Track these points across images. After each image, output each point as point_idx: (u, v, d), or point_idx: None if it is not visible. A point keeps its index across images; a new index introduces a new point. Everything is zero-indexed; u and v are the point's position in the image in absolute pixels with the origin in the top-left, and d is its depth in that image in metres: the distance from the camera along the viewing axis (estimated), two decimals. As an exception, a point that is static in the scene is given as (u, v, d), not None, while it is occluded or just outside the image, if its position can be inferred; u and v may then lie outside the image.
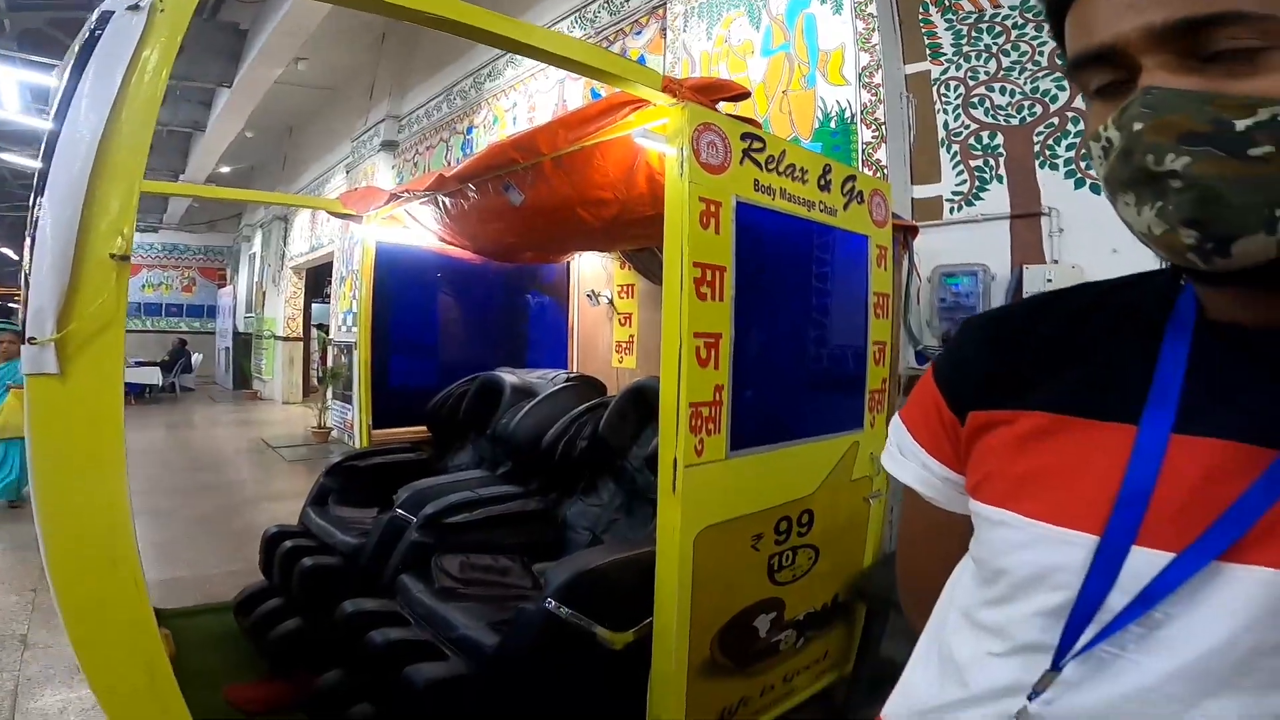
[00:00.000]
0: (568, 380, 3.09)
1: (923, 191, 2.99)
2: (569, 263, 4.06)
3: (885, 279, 2.20)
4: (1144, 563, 0.46)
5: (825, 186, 1.94)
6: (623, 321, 3.97)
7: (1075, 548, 0.49)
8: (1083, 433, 0.52)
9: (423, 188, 2.74)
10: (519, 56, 5.26)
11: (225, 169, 11.81)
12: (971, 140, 2.86)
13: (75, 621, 0.95)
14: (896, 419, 0.69)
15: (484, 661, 1.82)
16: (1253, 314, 0.48)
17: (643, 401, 2.44)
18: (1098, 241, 2.44)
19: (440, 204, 2.86)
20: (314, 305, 11.99)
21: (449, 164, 6.38)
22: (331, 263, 8.96)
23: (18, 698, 2.46)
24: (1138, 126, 0.43)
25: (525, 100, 5.39)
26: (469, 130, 6.13)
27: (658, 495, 1.62)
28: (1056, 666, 0.49)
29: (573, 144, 2.04)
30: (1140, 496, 0.48)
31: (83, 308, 0.84)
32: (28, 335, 0.81)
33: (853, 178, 2.05)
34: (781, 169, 1.79)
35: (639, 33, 4.38)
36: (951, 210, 2.91)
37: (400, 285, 3.39)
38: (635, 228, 2.62)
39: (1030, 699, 0.49)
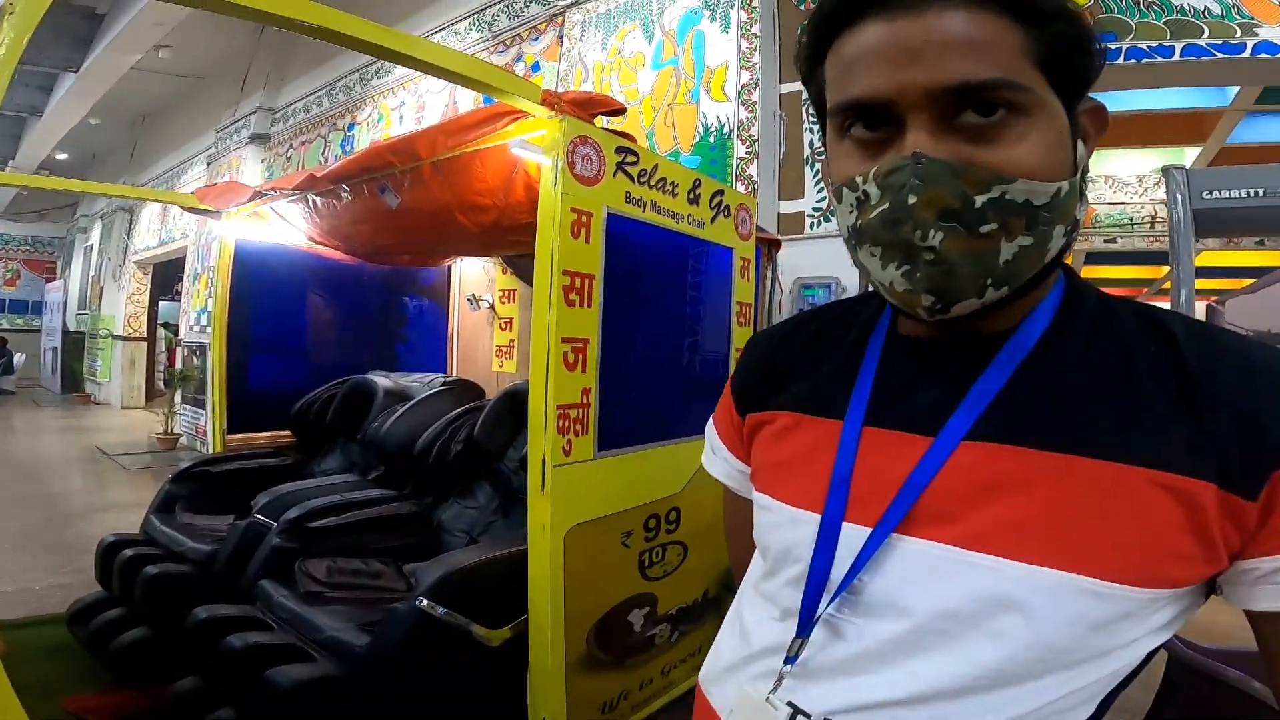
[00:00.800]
0: (444, 384, 3.06)
1: (789, 207, 3.20)
2: (450, 267, 4.00)
3: (748, 289, 2.35)
4: (852, 537, 0.54)
5: (695, 200, 2.04)
6: (503, 326, 3.96)
7: (806, 526, 0.58)
8: (813, 428, 0.62)
9: (291, 186, 2.63)
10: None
11: (62, 156, 10.67)
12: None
13: None
14: (710, 422, 0.80)
15: (354, 662, 1.79)
16: (925, 330, 0.59)
17: (518, 405, 2.46)
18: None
19: (310, 203, 2.76)
20: (161, 303, 10.98)
21: (326, 160, 6.09)
22: (184, 258, 8.24)
23: None
24: (912, 200, 0.48)
25: (414, 100, 5.25)
26: (351, 127, 5.90)
27: (529, 494, 1.66)
28: (802, 632, 0.56)
29: (452, 150, 2.05)
30: (844, 480, 0.57)
31: None
32: None
33: (721, 192, 2.17)
34: (653, 182, 1.87)
35: (536, 39, 4.40)
36: (812, 225, 3.14)
37: (263, 284, 3.23)
38: (513, 234, 2.62)
39: (785, 662, 0.56)
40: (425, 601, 1.71)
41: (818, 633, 0.55)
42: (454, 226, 2.61)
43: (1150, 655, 0.52)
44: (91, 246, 12.17)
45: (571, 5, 4.12)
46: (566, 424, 1.63)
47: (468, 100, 4.74)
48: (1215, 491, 0.46)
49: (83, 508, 4.91)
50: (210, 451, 3.11)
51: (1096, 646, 0.49)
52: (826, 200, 3.09)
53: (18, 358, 11.90)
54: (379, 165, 2.28)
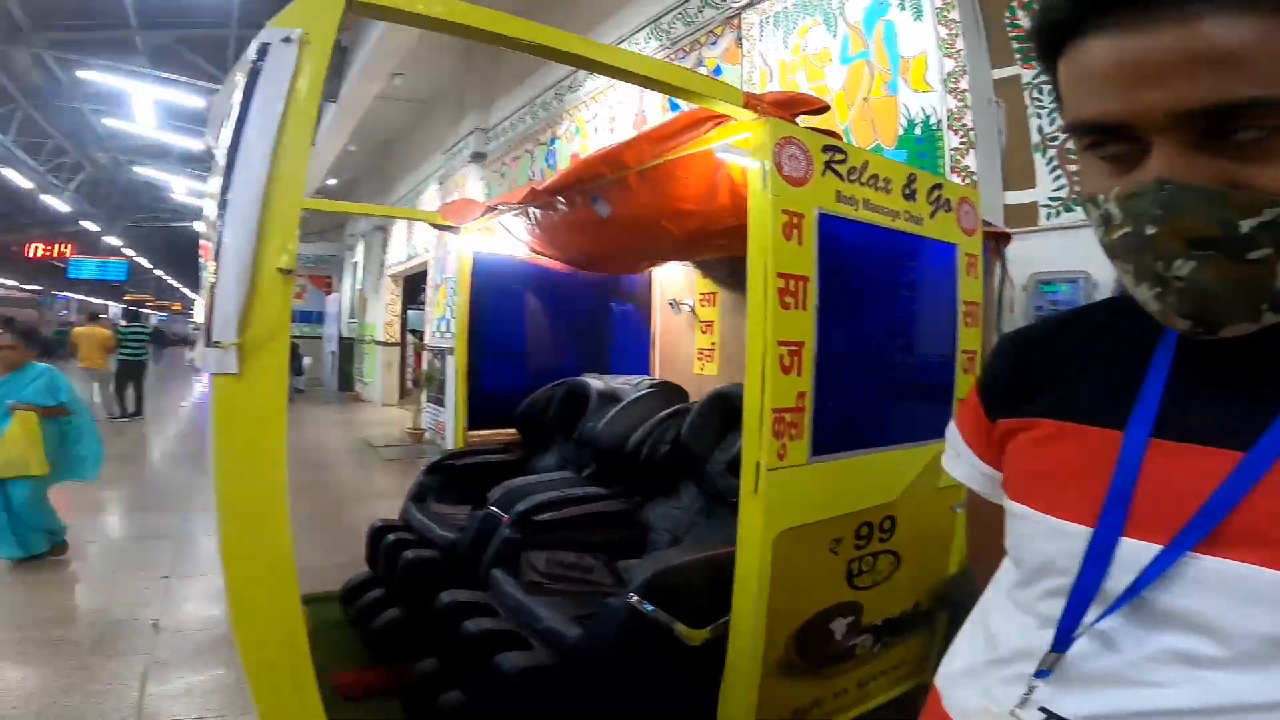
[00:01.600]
0: (650, 386, 3.17)
1: (1017, 197, 2.90)
2: (651, 272, 4.15)
3: (975, 287, 2.17)
4: (1134, 552, 0.51)
5: (910, 196, 1.94)
6: (704, 329, 4.01)
7: (1073, 539, 0.55)
8: (1082, 437, 0.58)
9: (516, 200, 2.88)
10: (599, 69, 5.42)
11: (331, 181, 12.54)
12: (1070, 144, 2.77)
13: (237, 597, 1.08)
14: (951, 424, 0.79)
15: (567, 652, 1.91)
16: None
17: (725, 407, 2.48)
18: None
19: (531, 216, 3.00)
20: (409, 311, 12.59)
21: (534, 174, 6.58)
22: (426, 271, 9.39)
23: (146, 681, 2.64)
24: (1150, 230, 0.44)
25: (605, 111, 5.51)
26: (552, 141, 6.30)
27: (739, 497, 1.67)
28: (1061, 644, 0.54)
29: (657, 158, 2.12)
30: (1125, 494, 0.53)
31: (257, 316, 0.99)
32: (214, 339, 0.97)
33: (939, 186, 2.03)
34: (864, 180, 1.80)
35: (714, 43, 4.42)
36: (1048, 216, 2.81)
37: (492, 293, 3.56)
38: (718, 239, 2.66)
39: (1038, 675, 0.54)
40: (635, 597, 1.78)
41: (1084, 643, 0.54)
42: (660, 233, 2.69)
43: None
44: (356, 263, 14.35)
45: (747, 6, 4.08)
46: (781, 428, 1.61)
47: (654, 109, 4.87)
48: None
49: (353, 494, 5.76)
50: (449, 446, 3.51)
51: None
52: (1066, 188, 2.75)
53: (305, 361, 14.38)
54: (591, 176, 2.41)
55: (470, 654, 1.96)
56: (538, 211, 2.94)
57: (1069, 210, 2.75)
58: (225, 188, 1.01)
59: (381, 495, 5.59)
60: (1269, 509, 0.46)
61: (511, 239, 3.39)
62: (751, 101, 1.59)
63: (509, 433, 3.54)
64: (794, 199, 1.63)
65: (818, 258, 1.68)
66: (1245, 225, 0.41)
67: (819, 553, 1.79)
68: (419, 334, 10.84)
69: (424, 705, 2.04)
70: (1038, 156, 2.85)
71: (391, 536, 2.80)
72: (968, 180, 2.87)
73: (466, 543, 2.59)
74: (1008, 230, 2.73)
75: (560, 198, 2.71)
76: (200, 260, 2.28)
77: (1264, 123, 0.40)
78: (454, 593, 2.23)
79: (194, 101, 10.45)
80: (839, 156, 1.74)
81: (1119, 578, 0.52)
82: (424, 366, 9.10)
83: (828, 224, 1.71)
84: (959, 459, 0.76)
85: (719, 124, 1.74)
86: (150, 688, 2.61)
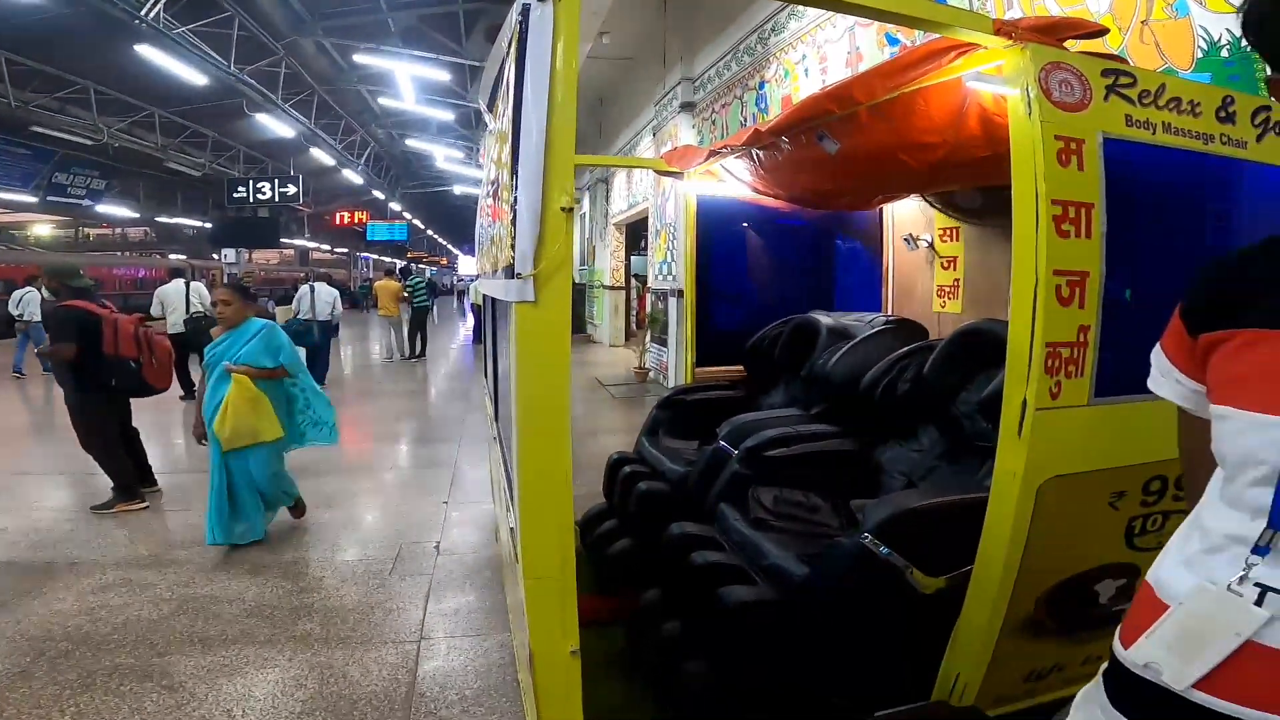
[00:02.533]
0: (886, 323, 3.02)
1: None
2: (881, 209, 3.91)
3: (1327, 216, 1.79)
4: None
5: (1227, 119, 1.71)
6: (945, 265, 3.71)
7: (1273, 428, 0.65)
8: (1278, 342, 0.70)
9: (739, 143, 2.85)
10: (800, 8, 5.11)
11: (555, 139, 13.51)
12: None
13: (527, 498, 1.25)
14: (1156, 348, 0.89)
15: (791, 589, 1.93)
16: None
17: (976, 345, 2.29)
18: None
19: (755, 157, 2.96)
20: (632, 257, 13.16)
21: (745, 120, 6.47)
22: (646, 218, 9.73)
23: (429, 600, 2.93)
24: None
25: (814, 51, 5.23)
26: (760, 85, 6.15)
27: (999, 439, 1.57)
28: (1276, 520, 0.65)
29: (891, 92, 2.04)
30: None
31: (546, 250, 1.14)
32: (516, 272, 1.13)
33: (1266, 108, 1.75)
34: (1161, 103, 1.64)
35: None
36: None
37: (716, 234, 3.61)
38: (964, 168, 2.48)
39: (1255, 552, 0.66)
40: (869, 538, 1.74)
41: None
42: (896, 167, 2.57)
43: None
44: (584, 214, 15.28)
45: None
46: (1057, 364, 1.48)
47: (870, 47, 4.47)
48: None
49: (587, 429, 6.17)
50: (671, 385, 3.66)
51: None
52: None
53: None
54: (818, 114, 2.34)
55: (695, 585, 2.04)
56: (761, 153, 2.90)
57: None
58: (515, 143, 1.14)
59: (611, 431, 6.00)
60: None
61: (734, 181, 3.38)
62: (1004, 28, 1.54)
63: (735, 369, 3.60)
64: (1070, 125, 1.53)
65: (1104, 184, 1.53)
66: None
67: (1094, 506, 1.63)
68: (641, 278, 11.30)
69: (646, 633, 2.16)
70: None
71: (627, 468, 2.97)
72: (1303, 104, 2.35)
73: (695, 476, 2.68)
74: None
75: (784, 137, 2.65)
76: (483, 222, 2.55)
77: None
78: (683, 524, 2.33)
79: (440, 75, 11.68)
80: (1125, 80, 1.61)
81: None
82: (647, 309, 9.51)
83: (1116, 149, 1.57)
84: (1165, 379, 0.87)
85: (963, 54, 1.69)
86: (430, 606, 2.89)
